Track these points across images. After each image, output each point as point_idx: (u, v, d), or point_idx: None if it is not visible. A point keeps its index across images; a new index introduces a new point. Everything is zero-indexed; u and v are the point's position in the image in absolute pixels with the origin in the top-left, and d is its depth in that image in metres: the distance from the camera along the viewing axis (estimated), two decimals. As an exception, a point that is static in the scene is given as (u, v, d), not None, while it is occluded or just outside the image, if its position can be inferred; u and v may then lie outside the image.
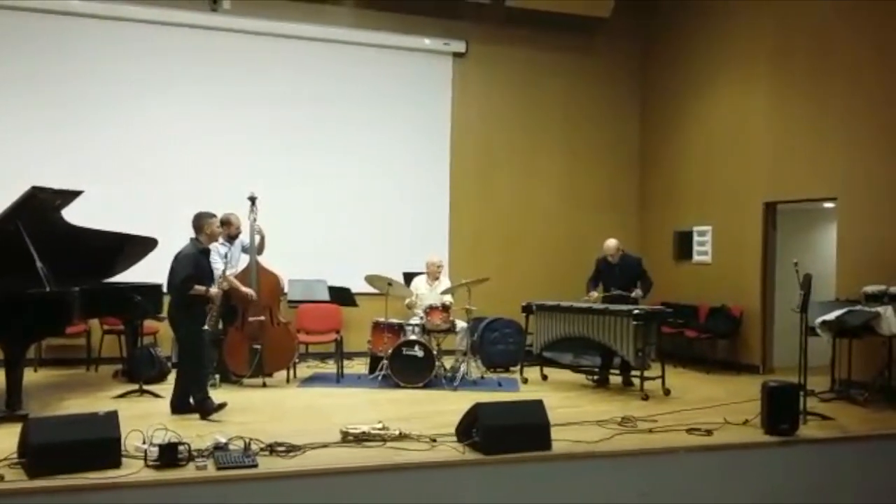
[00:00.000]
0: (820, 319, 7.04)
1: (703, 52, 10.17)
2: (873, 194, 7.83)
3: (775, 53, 9.07)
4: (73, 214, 6.84)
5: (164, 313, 7.81)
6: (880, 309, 6.90)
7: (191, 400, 6.18)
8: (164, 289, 6.90)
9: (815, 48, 8.54)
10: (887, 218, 7.65)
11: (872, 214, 7.82)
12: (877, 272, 7.46)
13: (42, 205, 6.32)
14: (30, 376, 6.39)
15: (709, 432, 5.66)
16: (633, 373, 7.64)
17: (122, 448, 4.52)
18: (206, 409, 6.05)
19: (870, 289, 7.27)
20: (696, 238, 10.17)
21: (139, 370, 7.28)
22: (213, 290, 6.39)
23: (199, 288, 6.23)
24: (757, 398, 5.91)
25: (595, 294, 8.03)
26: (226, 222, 7.53)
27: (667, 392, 7.43)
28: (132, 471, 4.35)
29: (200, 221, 6.39)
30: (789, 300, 7.36)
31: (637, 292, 7.85)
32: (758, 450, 5.53)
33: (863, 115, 7.96)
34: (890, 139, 7.68)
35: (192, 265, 6.21)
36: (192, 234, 6.44)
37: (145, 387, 6.95)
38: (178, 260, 6.25)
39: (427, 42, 10.34)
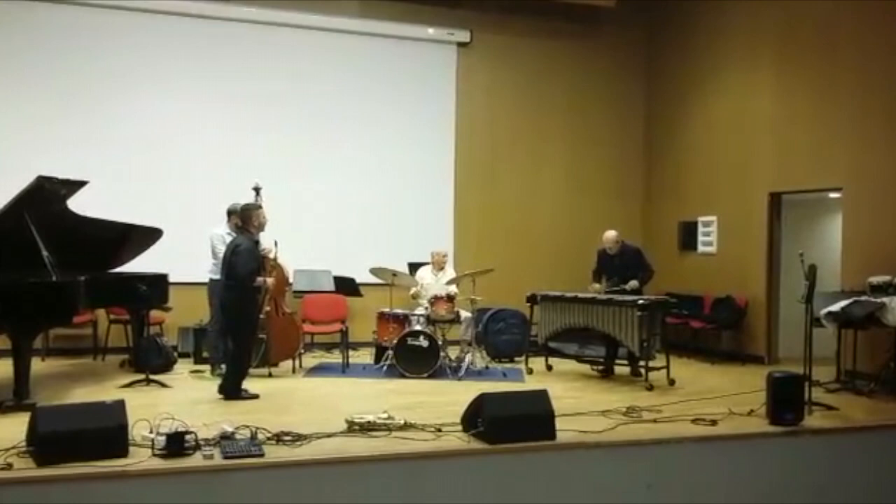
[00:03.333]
0: (825, 310, 7.03)
1: (709, 42, 10.13)
2: (879, 184, 7.80)
3: (780, 42, 9.03)
4: (79, 205, 6.86)
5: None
6: (885, 300, 6.88)
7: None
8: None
9: (820, 37, 8.50)
10: (893, 208, 7.62)
11: (878, 205, 7.79)
12: (882, 263, 7.44)
13: (48, 195, 6.33)
14: (37, 366, 6.43)
15: (714, 422, 5.67)
16: (640, 363, 7.64)
17: (130, 437, 4.54)
18: (238, 395, 6.41)
19: (875, 279, 7.25)
20: (700, 228, 10.15)
21: (146, 360, 7.31)
22: (269, 280, 6.85)
23: (259, 279, 6.59)
24: (762, 389, 5.91)
25: (598, 286, 8.04)
26: (233, 212, 7.53)
27: (671, 382, 7.43)
28: (139, 459, 4.37)
29: (248, 213, 6.67)
30: (794, 291, 7.37)
31: (632, 283, 7.84)
32: (762, 440, 5.52)
33: (869, 104, 7.92)
34: (896, 129, 7.66)
35: (255, 258, 6.54)
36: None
37: (152, 376, 6.98)
38: (240, 253, 6.45)
39: (431, 31, 10.31)
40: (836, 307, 7.02)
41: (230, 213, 7.58)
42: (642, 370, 7.52)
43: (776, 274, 9.17)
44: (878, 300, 6.92)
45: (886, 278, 7.17)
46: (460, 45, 10.49)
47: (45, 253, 6.11)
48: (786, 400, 5.66)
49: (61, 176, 6.42)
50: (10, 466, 4.18)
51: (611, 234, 8.10)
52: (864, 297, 7.08)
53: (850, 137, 8.11)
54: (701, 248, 10.16)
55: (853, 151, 8.07)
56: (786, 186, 8.99)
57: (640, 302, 7.29)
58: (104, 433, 4.40)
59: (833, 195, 8.79)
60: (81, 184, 6.64)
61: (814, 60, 8.57)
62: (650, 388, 7.22)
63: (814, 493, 5.45)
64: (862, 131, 7.98)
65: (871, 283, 7.26)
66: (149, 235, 7.69)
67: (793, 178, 8.83)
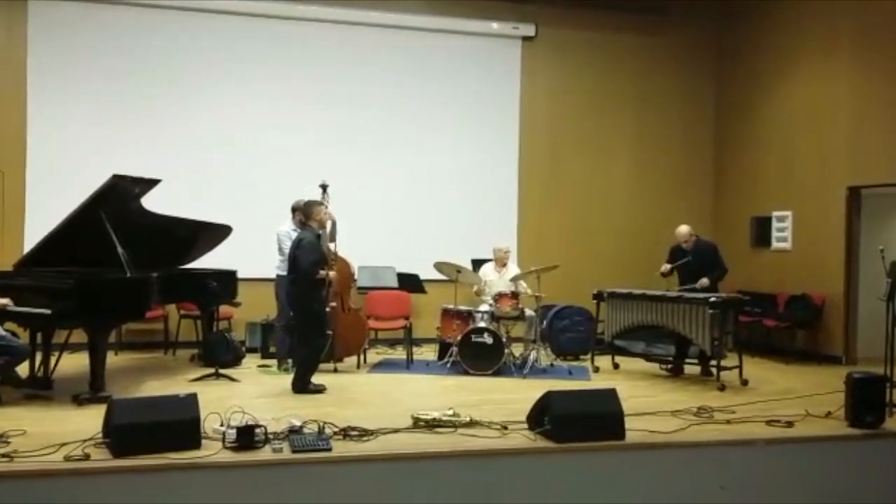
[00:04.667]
0: (908, 308, 6.72)
1: (781, 32, 9.81)
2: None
3: (857, 32, 8.69)
4: (151, 203, 7.01)
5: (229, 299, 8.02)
6: (972, 297, 6.54)
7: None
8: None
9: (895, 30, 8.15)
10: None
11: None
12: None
13: (123, 193, 6.49)
14: (110, 360, 6.59)
15: (789, 424, 5.49)
16: (712, 363, 7.44)
17: (202, 430, 4.63)
18: (307, 387, 6.50)
19: (961, 276, 6.91)
20: (775, 224, 9.84)
21: (215, 354, 7.45)
22: (332, 273, 6.91)
23: (322, 273, 6.68)
24: (839, 390, 5.70)
25: (666, 266, 7.86)
26: (297, 208, 7.62)
27: (744, 382, 7.22)
28: (211, 452, 4.45)
29: (310, 209, 6.88)
30: (874, 288, 7.08)
31: (703, 281, 7.64)
32: (841, 442, 5.33)
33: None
34: None
35: (317, 251, 6.69)
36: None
37: (221, 371, 7.12)
38: (303, 247, 6.62)
39: (495, 26, 10.24)
40: (919, 305, 6.71)
41: (294, 209, 7.68)
42: (713, 370, 7.32)
43: (854, 271, 8.84)
44: (965, 298, 6.58)
45: (973, 275, 6.82)
46: (525, 39, 10.39)
47: (120, 250, 6.26)
48: (866, 401, 5.45)
49: (135, 174, 6.58)
50: (87, 457, 4.29)
51: (684, 228, 7.91)
52: (949, 295, 6.75)
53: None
54: (775, 244, 9.84)
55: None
56: (865, 180, 8.64)
57: (712, 300, 7.10)
58: (177, 426, 4.50)
59: (916, 189, 8.42)
60: (154, 182, 6.79)
61: (890, 53, 8.23)
62: (722, 388, 7.02)
63: (893, 497, 5.22)
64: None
65: (957, 280, 6.92)
66: (219, 232, 7.83)
67: (872, 171, 8.48)
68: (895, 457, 5.34)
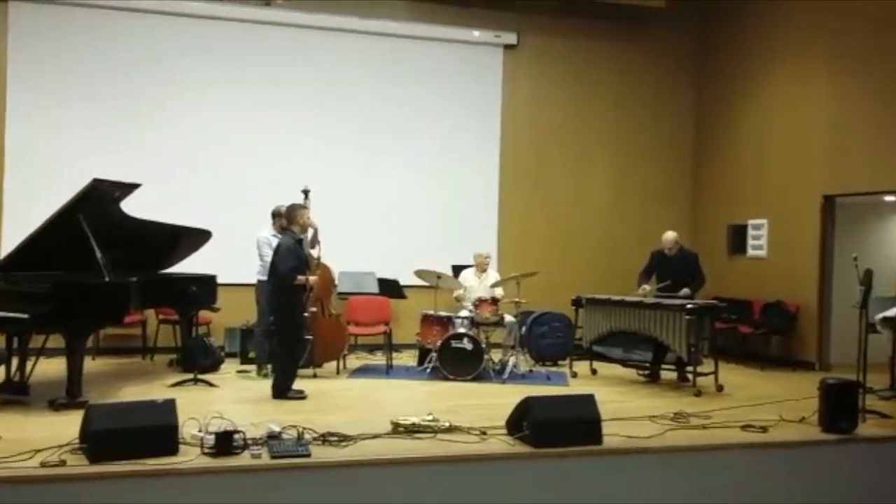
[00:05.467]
0: (880, 316, 6.84)
1: (760, 43, 9.95)
2: (938, 187, 7.59)
3: (833, 43, 8.84)
4: (131, 207, 6.98)
5: (210, 304, 8.01)
6: (943, 305, 6.69)
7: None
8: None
9: (875, 36, 8.30)
10: (953, 211, 7.40)
11: (937, 208, 7.58)
12: (941, 267, 7.23)
13: (102, 197, 6.46)
14: (88, 365, 6.54)
15: (764, 429, 5.56)
16: (688, 368, 7.51)
17: (180, 435, 4.61)
18: (286, 394, 6.49)
19: (933, 285, 7.07)
20: (750, 232, 9.97)
21: (194, 360, 7.41)
22: (312, 278, 6.81)
23: (301, 278, 6.59)
24: (813, 396, 5.80)
25: (647, 288, 7.93)
26: (278, 214, 7.63)
27: (720, 388, 7.30)
28: (189, 458, 4.43)
29: (293, 213, 6.79)
30: (847, 296, 7.20)
31: (685, 291, 7.72)
32: (815, 448, 5.41)
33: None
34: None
35: (295, 256, 6.58)
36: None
37: (200, 376, 7.08)
38: (281, 252, 6.57)
39: (477, 34, 10.30)
40: (891, 313, 6.83)
41: (275, 215, 7.68)
42: (690, 375, 7.40)
43: (828, 279, 8.97)
44: (936, 306, 6.73)
45: (945, 283, 6.97)
46: (507, 47, 10.46)
47: (98, 254, 6.23)
48: (840, 407, 5.53)
49: (115, 179, 6.55)
50: (63, 463, 4.27)
51: (670, 235, 7.99)
52: (920, 303, 6.89)
53: (906, 139, 7.91)
54: (751, 252, 9.98)
55: (910, 153, 7.86)
56: (839, 189, 8.78)
57: (689, 306, 7.18)
58: (155, 431, 4.48)
59: (888, 198, 8.57)
60: (134, 186, 6.76)
61: (868, 60, 8.37)
62: (698, 393, 7.10)
63: (868, 502, 5.31)
64: (919, 132, 7.77)
65: (929, 288, 7.07)
66: (198, 237, 7.81)
67: (847, 180, 8.62)
68: (868, 462, 5.43)
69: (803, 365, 8.90)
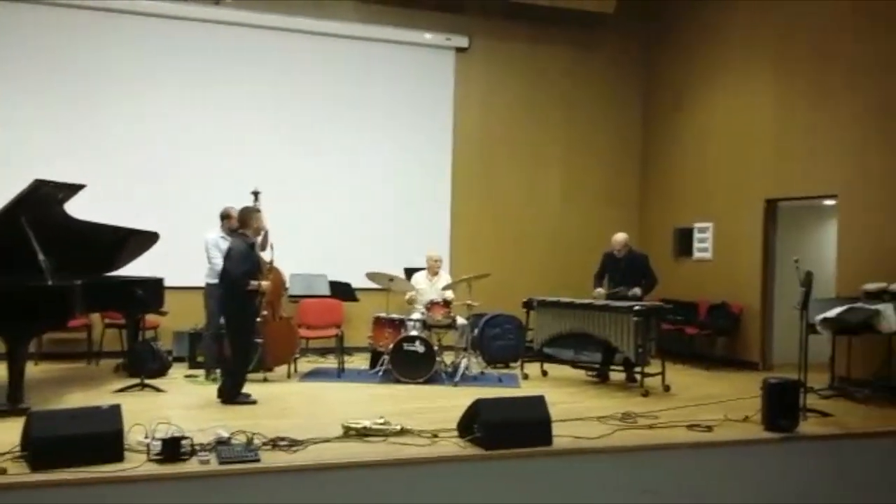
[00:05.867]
0: (820, 317, 7.03)
1: (706, 49, 10.17)
2: (873, 192, 7.84)
3: (777, 51, 9.08)
4: (76, 209, 6.85)
5: (164, 309, 7.89)
6: (880, 306, 6.91)
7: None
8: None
9: (816, 46, 8.55)
10: (887, 215, 7.66)
11: (873, 212, 7.83)
12: (877, 270, 7.48)
13: (45, 198, 6.32)
14: (30, 370, 6.38)
15: (709, 428, 5.69)
16: (636, 369, 7.64)
17: (125, 442, 4.53)
18: (236, 399, 6.40)
19: (870, 286, 7.30)
20: (696, 235, 10.18)
21: (141, 364, 7.29)
22: (265, 283, 6.72)
23: (253, 283, 6.49)
24: (756, 395, 5.94)
25: (601, 291, 8.03)
26: (226, 216, 7.54)
27: (667, 388, 7.44)
28: (135, 465, 4.36)
29: (246, 216, 6.67)
30: (789, 297, 7.39)
31: (635, 291, 7.85)
32: (758, 446, 5.55)
33: (863, 112, 7.97)
34: (890, 137, 7.70)
35: (248, 260, 6.49)
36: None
37: (147, 381, 6.97)
38: (232, 257, 6.46)
39: (429, 37, 10.32)
40: (831, 314, 7.03)
41: (223, 216, 7.60)
42: (638, 376, 7.52)
43: (771, 281, 9.21)
44: (873, 307, 6.95)
45: (881, 285, 7.21)
46: (458, 50, 10.50)
47: (41, 256, 6.09)
48: (781, 406, 5.69)
49: (59, 179, 6.40)
50: (4, 471, 4.16)
51: (620, 236, 8.11)
52: (858, 304, 7.11)
53: (845, 145, 8.16)
54: (696, 255, 10.18)
55: (848, 159, 8.12)
56: (781, 193, 9.02)
57: (636, 308, 7.30)
58: (99, 438, 4.40)
59: (828, 202, 8.83)
60: (78, 187, 6.62)
61: (810, 69, 8.62)
62: (646, 394, 7.23)
63: (808, 499, 5.45)
64: (857, 139, 8.03)
65: (866, 289, 7.31)
66: (145, 239, 7.68)
67: (788, 185, 8.86)
68: (809, 459, 5.58)
69: (747, 365, 9.11)
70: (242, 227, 6.67)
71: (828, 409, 6.38)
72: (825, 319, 7.04)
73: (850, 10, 8.16)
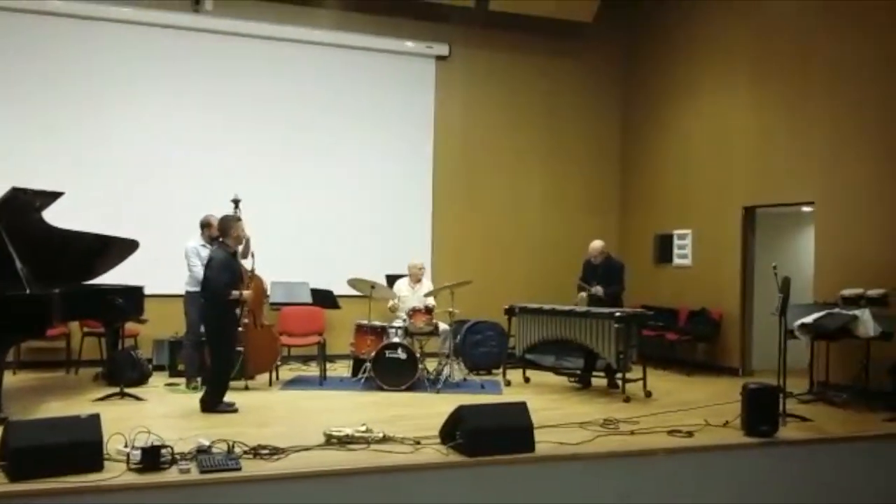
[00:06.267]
0: (798, 322, 7.12)
1: (685, 58, 10.27)
2: (850, 199, 7.94)
3: (755, 60, 9.18)
4: (54, 216, 6.79)
5: (143, 316, 7.84)
6: (857, 312, 6.98)
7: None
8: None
9: (794, 55, 8.65)
10: (864, 222, 7.76)
11: (850, 218, 7.93)
12: (854, 275, 7.57)
13: (22, 206, 6.27)
14: (8, 379, 6.33)
15: (690, 434, 5.72)
16: (618, 375, 7.68)
17: (104, 451, 4.49)
18: (217, 408, 6.35)
19: (847, 292, 7.38)
20: (676, 241, 10.26)
21: (120, 373, 7.22)
22: (246, 292, 6.72)
23: (235, 292, 6.47)
24: (736, 400, 5.97)
25: (583, 295, 8.06)
26: (206, 224, 7.51)
27: (648, 394, 7.48)
28: (114, 474, 4.32)
29: (226, 225, 6.61)
30: (768, 303, 7.45)
31: (597, 288, 7.90)
32: (738, 451, 5.58)
33: (841, 120, 8.08)
34: (867, 144, 7.80)
35: (230, 270, 6.44)
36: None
37: (126, 390, 6.91)
38: (213, 266, 6.42)
39: (410, 45, 10.35)
40: (809, 319, 7.11)
41: (203, 225, 7.56)
42: (619, 382, 7.56)
43: (750, 287, 9.29)
44: (850, 312, 7.02)
45: (858, 291, 7.29)
46: (439, 58, 10.53)
47: (18, 265, 6.03)
48: (761, 411, 5.72)
49: (37, 187, 6.35)
50: (-18, 482, 4.12)
51: (597, 244, 8.17)
52: (836, 310, 7.19)
53: (822, 152, 8.26)
54: (676, 261, 10.26)
55: (825, 166, 8.22)
56: (760, 200, 9.11)
57: (618, 314, 7.34)
58: (78, 448, 4.35)
59: (806, 209, 8.93)
60: (56, 195, 6.57)
61: (788, 77, 8.72)
62: (627, 399, 7.26)
63: (788, 502, 5.50)
64: (834, 146, 8.13)
65: (844, 295, 7.39)
66: (125, 247, 7.62)
67: (767, 192, 8.96)
68: (789, 464, 5.62)
69: (727, 370, 9.18)
70: (223, 236, 6.63)
71: (807, 414, 6.44)
72: (803, 325, 7.12)
73: (829, 16, 8.25)
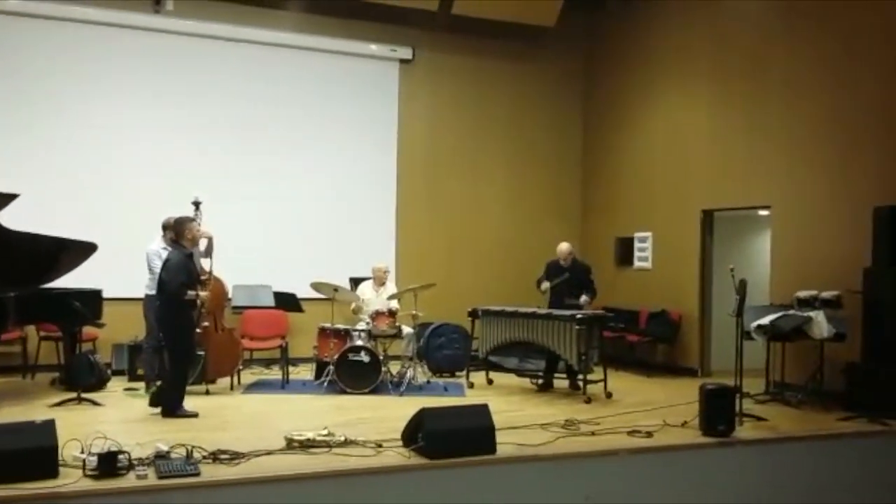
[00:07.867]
0: (755, 324, 7.24)
1: (644, 63, 10.40)
2: (806, 203, 8.11)
3: (713, 66, 9.33)
4: (9, 218, 6.67)
5: (101, 320, 7.72)
6: (812, 313, 7.13)
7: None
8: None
9: (751, 61, 8.81)
10: (819, 225, 7.93)
11: (805, 222, 8.10)
12: (808, 278, 7.73)
13: (-24, 208, 6.14)
14: (-39, 385, 6.20)
15: (649, 434, 5.79)
16: (579, 377, 7.75)
17: (60, 457, 4.42)
18: (176, 412, 6.27)
19: (802, 294, 7.53)
20: (637, 244, 10.38)
21: (77, 378, 7.11)
22: (203, 293, 6.66)
23: (191, 293, 6.41)
24: (695, 400, 6.06)
25: (547, 283, 8.11)
26: (167, 226, 7.42)
27: (609, 395, 7.56)
28: (70, 481, 4.25)
29: (181, 226, 6.56)
30: (726, 305, 7.57)
31: (584, 298, 7.99)
32: (696, 451, 5.66)
33: (796, 126, 8.24)
34: (822, 150, 7.97)
35: (185, 271, 6.38)
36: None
37: (84, 395, 6.80)
38: (169, 268, 6.36)
39: (374, 48, 10.34)
40: (765, 321, 7.23)
41: (165, 227, 7.48)
42: (580, 383, 7.62)
43: (708, 288, 9.44)
44: (805, 314, 7.17)
45: (812, 293, 7.44)
46: (402, 62, 10.54)
47: (-29, 268, 5.92)
48: (718, 411, 5.81)
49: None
50: (-68, 490, 4.03)
51: (565, 246, 8.24)
52: (791, 311, 7.33)
53: (778, 157, 8.42)
54: (637, 264, 10.38)
55: (781, 171, 8.38)
56: (718, 204, 9.27)
57: (579, 316, 7.41)
58: (32, 454, 4.28)
59: (762, 213, 9.09)
60: (12, 197, 6.45)
61: (744, 82, 8.88)
62: (588, 400, 7.32)
63: (745, 500, 5.60)
64: (790, 151, 8.30)
65: (799, 297, 7.53)
66: (83, 250, 7.49)
67: (724, 195, 9.11)
68: (745, 463, 5.72)
69: (687, 371, 9.31)
70: (177, 237, 6.58)
71: (763, 414, 6.56)
72: (759, 326, 7.25)
73: (785, 24, 8.41)
